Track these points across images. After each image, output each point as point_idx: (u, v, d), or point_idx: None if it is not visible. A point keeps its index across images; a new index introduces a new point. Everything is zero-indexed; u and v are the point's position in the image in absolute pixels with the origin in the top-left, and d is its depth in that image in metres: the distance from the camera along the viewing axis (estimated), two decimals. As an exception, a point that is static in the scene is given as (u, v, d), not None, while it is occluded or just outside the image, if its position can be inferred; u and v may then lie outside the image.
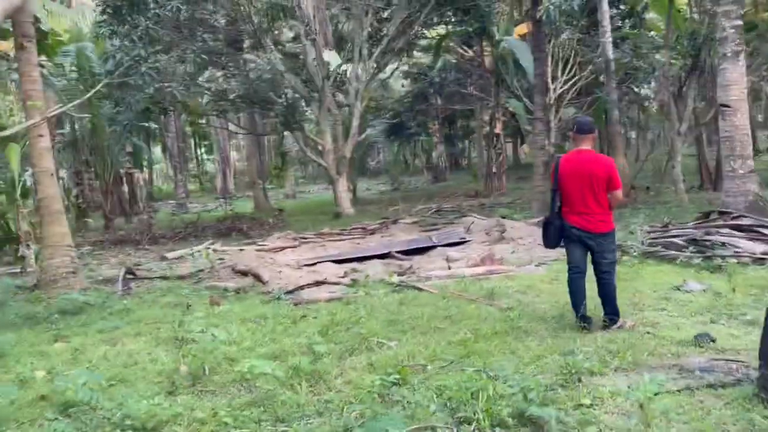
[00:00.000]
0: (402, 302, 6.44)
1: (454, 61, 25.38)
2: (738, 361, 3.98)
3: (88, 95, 7.17)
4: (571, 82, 24.27)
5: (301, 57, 18.38)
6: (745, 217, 7.52)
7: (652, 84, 26.35)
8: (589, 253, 5.10)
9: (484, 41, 21.89)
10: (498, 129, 22.11)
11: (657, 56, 15.21)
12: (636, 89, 27.16)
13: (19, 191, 12.64)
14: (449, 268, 8.26)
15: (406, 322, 5.58)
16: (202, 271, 9.73)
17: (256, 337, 5.43)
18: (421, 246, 10.78)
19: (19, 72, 9.27)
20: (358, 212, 19.02)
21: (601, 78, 22.29)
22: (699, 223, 7.86)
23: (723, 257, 6.76)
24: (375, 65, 18.50)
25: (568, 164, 5.15)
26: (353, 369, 4.42)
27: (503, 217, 13.10)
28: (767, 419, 3.16)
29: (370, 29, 18.03)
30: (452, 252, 9.08)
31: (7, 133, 6.44)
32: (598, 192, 4.98)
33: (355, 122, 18.26)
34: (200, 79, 17.13)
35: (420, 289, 6.99)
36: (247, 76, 16.40)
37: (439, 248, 10.54)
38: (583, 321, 5.02)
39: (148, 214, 17.18)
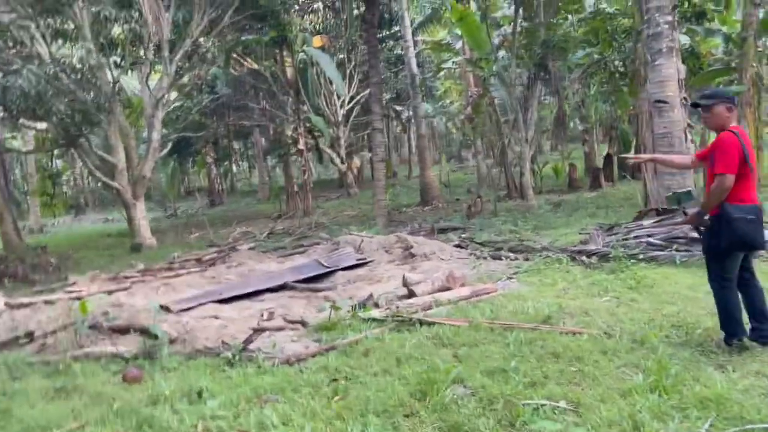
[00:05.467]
0: (445, 344, 4.85)
1: (236, 73, 23.40)
2: None
3: None
4: (359, 97, 24.29)
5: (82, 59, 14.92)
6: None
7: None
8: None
9: (284, 51, 20.46)
10: (301, 145, 20.78)
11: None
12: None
13: None
14: (411, 293, 6.77)
15: (512, 370, 4.06)
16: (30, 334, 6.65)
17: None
18: (314, 273, 9.11)
19: None
20: (159, 243, 16.05)
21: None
22: (657, 222, 7.67)
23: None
24: (177, 70, 15.79)
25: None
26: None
27: (350, 234, 11.93)
28: None
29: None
30: (411, 274, 7.56)
31: None
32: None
33: (156, 135, 15.30)
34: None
35: (430, 323, 5.44)
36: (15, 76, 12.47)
37: (338, 272, 9.05)
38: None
39: None
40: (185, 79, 18.14)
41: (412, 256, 9.25)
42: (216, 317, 6.96)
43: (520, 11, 14.00)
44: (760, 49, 11.34)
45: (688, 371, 3.77)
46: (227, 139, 29.16)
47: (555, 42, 13.35)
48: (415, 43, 22.52)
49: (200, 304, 7.70)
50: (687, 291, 5.65)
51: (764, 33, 11.39)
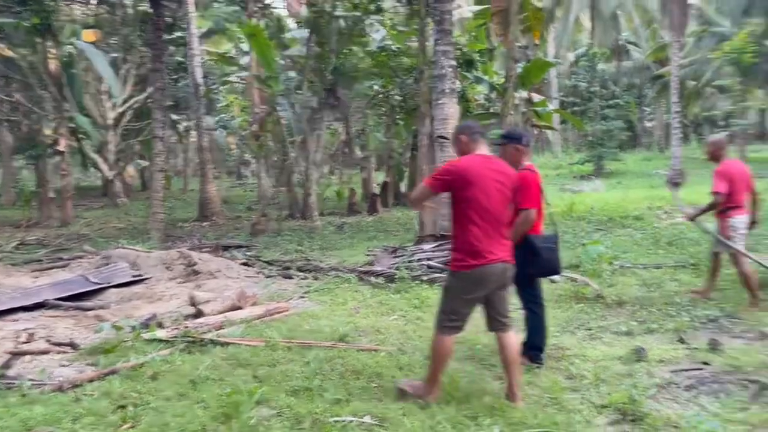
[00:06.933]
0: (242, 364, 4.67)
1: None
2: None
3: None
4: (132, 101, 22.66)
5: None
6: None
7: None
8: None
9: (48, 41, 18.19)
10: (62, 146, 18.57)
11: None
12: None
13: None
14: (199, 312, 6.42)
15: (316, 388, 4.06)
16: None
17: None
18: (81, 290, 8.19)
19: None
20: None
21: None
22: (436, 246, 8.28)
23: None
24: None
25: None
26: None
27: (123, 248, 11.07)
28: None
29: None
30: (197, 292, 7.10)
31: None
32: None
33: None
34: None
35: (224, 344, 5.21)
36: None
37: (111, 289, 8.26)
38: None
39: None
40: None
41: (196, 273, 8.79)
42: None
43: (313, 36, 14.33)
44: (517, 102, 13.01)
45: (475, 383, 4.13)
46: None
47: (345, 70, 13.92)
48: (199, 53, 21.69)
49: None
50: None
51: (521, 86, 13.13)
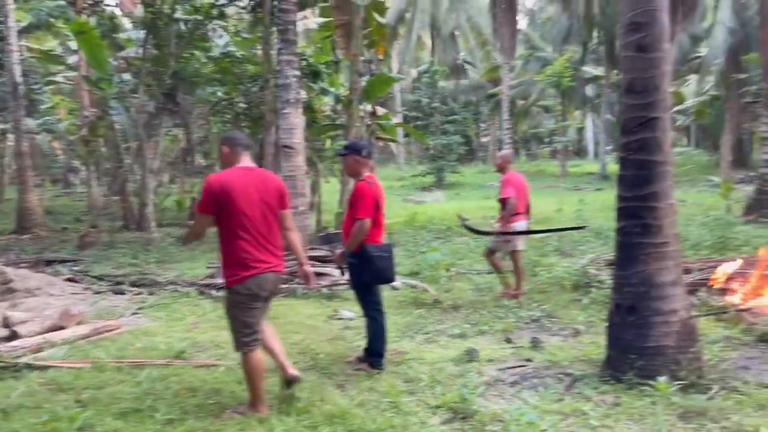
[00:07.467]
0: (63, 389, 4.28)
1: None
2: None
3: None
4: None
5: None
6: (315, 249, 8.30)
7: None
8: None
9: None
10: None
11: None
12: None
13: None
14: (13, 334, 5.79)
15: (147, 409, 3.83)
16: None
17: None
18: None
19: None
20: None
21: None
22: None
23: (329, 287, 7.33)
24: None
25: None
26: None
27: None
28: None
29: None
30: (12, 312, 6.31)
31: None
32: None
33: None
34: None
35: (42, 367, 4.74)
36: None
37: None
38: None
39: None
40: None
41: (12, 291, 7.89)
42: None
43: (150, 38, 13.59)
44: (361, 114, 13.32)
45: (315, 393, 4.13)
46: None
47: (186, 75, 13.35)
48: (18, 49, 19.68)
49: None
50: (308, 320, 6.19)
51: (365, 99, 13.42)
